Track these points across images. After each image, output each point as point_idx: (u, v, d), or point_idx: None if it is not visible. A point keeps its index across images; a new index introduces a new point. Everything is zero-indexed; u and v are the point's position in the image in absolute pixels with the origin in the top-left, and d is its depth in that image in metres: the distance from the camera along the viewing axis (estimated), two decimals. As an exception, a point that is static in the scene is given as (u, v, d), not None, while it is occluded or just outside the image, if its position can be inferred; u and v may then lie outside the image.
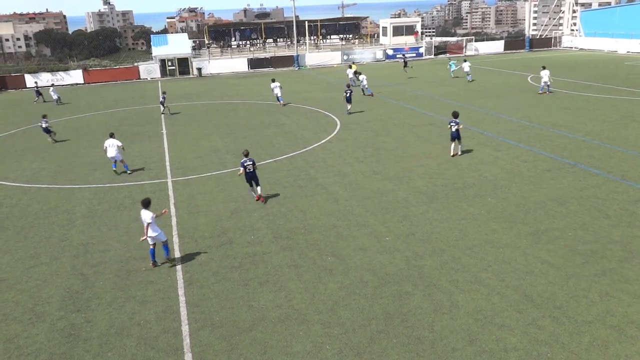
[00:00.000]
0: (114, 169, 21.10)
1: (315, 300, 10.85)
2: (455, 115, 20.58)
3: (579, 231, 13.43)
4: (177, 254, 13.37)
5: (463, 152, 20.93)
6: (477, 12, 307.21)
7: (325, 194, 17.46)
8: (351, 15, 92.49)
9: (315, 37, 72.68)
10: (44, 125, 27.22)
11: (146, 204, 12.62)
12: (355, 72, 42.77)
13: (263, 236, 14.27)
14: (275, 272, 12.16)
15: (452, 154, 20.74)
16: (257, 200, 16.92)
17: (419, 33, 71.78)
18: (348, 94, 30.24)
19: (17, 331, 10.38)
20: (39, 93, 43.20)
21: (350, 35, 76.10)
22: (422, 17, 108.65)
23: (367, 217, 15.17)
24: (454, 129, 20.33)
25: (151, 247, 12.71)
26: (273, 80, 35.94)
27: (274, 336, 9.74)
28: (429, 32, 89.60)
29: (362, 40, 75.21)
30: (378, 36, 76.34)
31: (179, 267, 12.63)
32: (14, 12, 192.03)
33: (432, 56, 63.74)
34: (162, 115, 33.14)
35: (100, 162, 22.00)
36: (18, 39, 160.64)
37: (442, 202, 16.02)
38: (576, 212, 14.68)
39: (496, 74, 45.32)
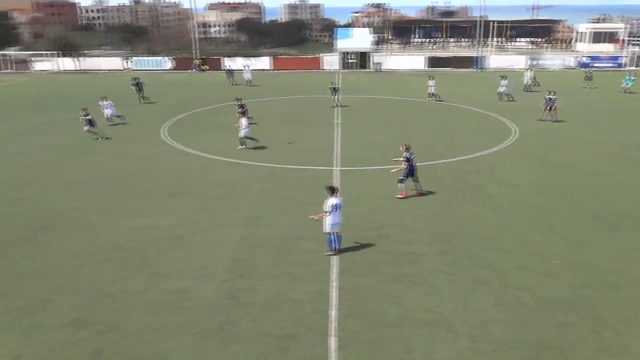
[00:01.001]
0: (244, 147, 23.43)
1: (466, 312, 10.48)
2: None
3: None
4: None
5: None
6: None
7: (488, 202, 16.68)
8: (544, 18, 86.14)
9: (501, 38, 69.17)
10: (238, 104, 29.82)
11: (334, 190, 12.72)
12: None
13: (420, 236, 14.13)
14: (429, 275, 11.98)
15: None
16: (404, 196, 16.87)
17: (623, 41, 64.22)
18: (549, 102, 28.80)
19: (190, 285, 11.70)
20: (231, 74, 47.56)
21: (541, 39, 70.91)
22: (630, 24, 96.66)
23: (532, 234, 14.15)
24: None
25: (331, 235, 12.78)
26: (430, 78, 37.60)
27: (419, 338, 9.63)
28: (637, 40, 79.45)
29: (553, 45, 69.66)
30: (572, 42, 70.06)
31: (335, 253, 13.07)
32: (221, 2, 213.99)
33: (634, 67, 56.66)
34: (334, 107, 34.13)
35: (274, 144, 23.62)
36: (218, 26, 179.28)
37: (624, 231, 14.29)
38: None
39: None
